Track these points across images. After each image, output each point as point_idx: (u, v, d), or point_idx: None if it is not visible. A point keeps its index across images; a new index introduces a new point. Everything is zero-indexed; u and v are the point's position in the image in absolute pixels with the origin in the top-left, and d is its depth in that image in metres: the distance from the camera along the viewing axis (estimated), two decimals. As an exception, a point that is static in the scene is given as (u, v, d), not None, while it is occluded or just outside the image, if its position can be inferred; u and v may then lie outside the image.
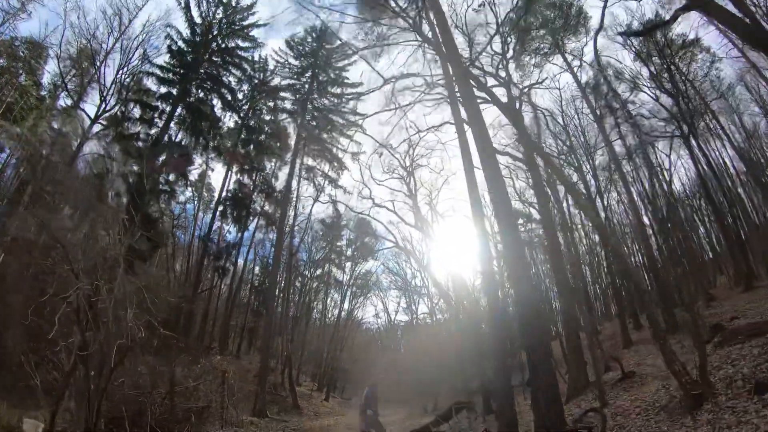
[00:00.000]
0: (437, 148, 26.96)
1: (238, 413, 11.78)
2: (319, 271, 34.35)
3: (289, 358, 22.95)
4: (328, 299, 38.90)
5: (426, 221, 22.85)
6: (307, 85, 25.85)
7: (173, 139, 21.35)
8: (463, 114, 12.55)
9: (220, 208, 21.95)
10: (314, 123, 24.07)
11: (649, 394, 8.26)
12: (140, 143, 20.03)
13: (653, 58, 21.34)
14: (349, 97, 24.76)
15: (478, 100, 15.21)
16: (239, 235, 22.94)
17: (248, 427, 11.57)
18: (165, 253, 21.78)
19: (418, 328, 45.18)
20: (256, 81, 26.31)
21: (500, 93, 16.91)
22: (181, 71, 22.47)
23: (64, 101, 21.06)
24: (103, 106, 20.57)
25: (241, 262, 28.91)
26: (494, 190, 9.14)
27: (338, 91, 26.17)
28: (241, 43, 24.88)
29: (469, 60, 16.44)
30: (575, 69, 20.99)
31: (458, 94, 13.02)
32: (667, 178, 23.08)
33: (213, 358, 12.79)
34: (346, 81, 26.35)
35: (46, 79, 21.72)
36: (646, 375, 10.37)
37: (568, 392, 12.82)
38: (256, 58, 25.77)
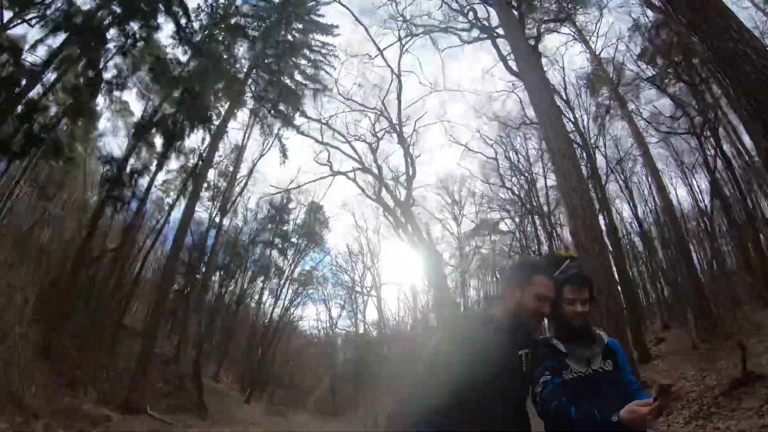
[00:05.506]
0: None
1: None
2: (258, 252, 28.87)
3: (200, 344, 17.54)
4: (265, 290, 33.06)
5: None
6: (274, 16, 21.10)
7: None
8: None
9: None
10: (271, 52, 19.17)
11: None
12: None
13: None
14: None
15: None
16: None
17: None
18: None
19: (363, 338, 40.72)
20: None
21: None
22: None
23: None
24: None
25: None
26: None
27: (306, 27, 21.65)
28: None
29: None
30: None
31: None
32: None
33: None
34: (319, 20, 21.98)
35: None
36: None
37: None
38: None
